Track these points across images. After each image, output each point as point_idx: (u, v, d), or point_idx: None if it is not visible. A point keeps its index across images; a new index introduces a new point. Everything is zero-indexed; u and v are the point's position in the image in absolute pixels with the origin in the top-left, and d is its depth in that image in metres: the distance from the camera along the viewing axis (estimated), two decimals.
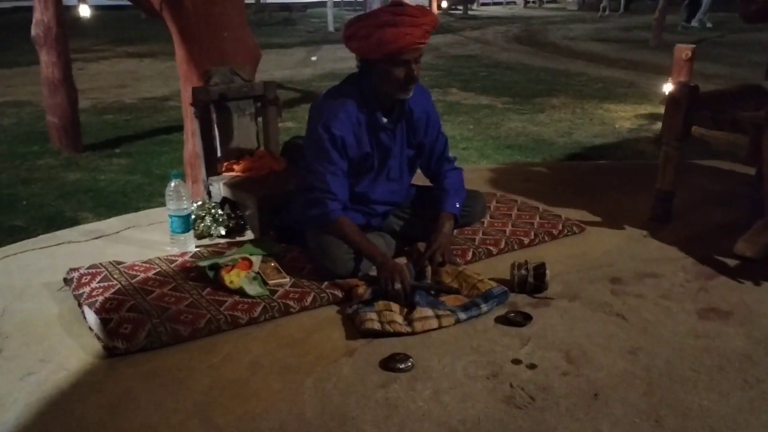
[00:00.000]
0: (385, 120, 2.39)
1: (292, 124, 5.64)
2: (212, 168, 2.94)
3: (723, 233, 2.83)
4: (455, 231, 2.65)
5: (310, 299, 2.19)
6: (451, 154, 2.64)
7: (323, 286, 2.27)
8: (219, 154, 2.98)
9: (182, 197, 2.56)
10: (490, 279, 2.31)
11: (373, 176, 2.47)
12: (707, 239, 2.82)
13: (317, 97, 2.45)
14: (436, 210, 2.49)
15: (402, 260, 2.44)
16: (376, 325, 2.03)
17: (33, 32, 4.49)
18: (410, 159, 2.56)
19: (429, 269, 2.37)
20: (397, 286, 2.15)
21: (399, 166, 2.52)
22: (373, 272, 2.31)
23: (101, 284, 2.22)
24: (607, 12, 18.83)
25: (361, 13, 2.33)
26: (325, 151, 2.29)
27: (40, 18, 4.43)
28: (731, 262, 2.59)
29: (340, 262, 2.30)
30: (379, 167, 2.46)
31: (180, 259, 2.46)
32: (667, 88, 5.20)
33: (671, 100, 2.93)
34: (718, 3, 15.91)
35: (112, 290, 2.17)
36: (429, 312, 2.09)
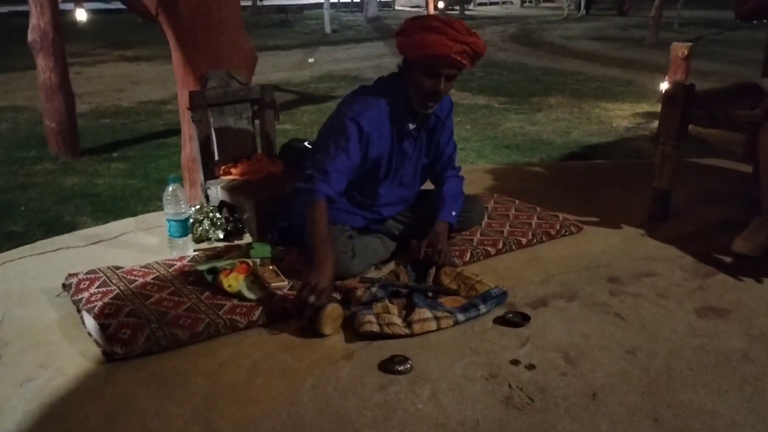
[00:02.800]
0: (412, 126, 2.41)
1: (290, 126, 5.65)
2: (210, 172, 2.94)
3: (720, 231, 2.84)
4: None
5: None
6: None
7: None
8: (216, 157, 2.98)
9: (180, 201, 2.56)
10: (488, 280, 2.31)
11: (387, 180, 2.48)
12: (705, 237, 2.83)
13: (350, 94, 2.47)
14: (433, 216, 2.50)
15: (400, 261, 2.44)
16: (375, 327, 2.03)
17: (30, 37, 4.49)
18: (425, 167, 2.58)
19: (432, 272, 2.37)
20: (310, 299, 2.01)
21: (413, 173, 2.55)
22: (371, 274, 2.32)
23: (100, 289, 2.22)
24: (566, 14, 18.71)
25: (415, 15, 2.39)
26: (346, 139, 2.29)
27: (37, 23, 4.44)
28: (729, 260, 2.60)
29: (338, 264, 2.30)
30: (395, 172, 2.47)
31: (178, 264, 2.46)
32: (664, 86, 5.21)
33: (668, 98, 2.94)
34: (713, 0, 15.94)
35: (111, 295, 2.17)
36: (427, 314, 2.10)
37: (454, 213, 2.54)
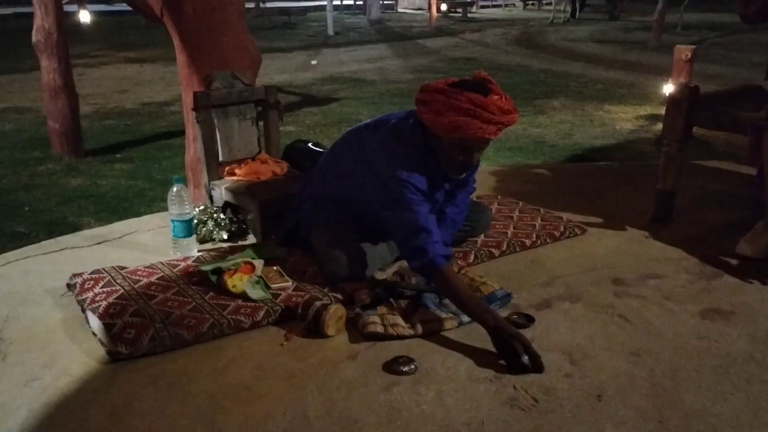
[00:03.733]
0: (447, 187, 2.35)
1: (293, 127, 5.65)
2: (214, 172, 2.95)
3: (724, 233, 2.83)
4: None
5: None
6: None
7: (326, 290, 2.27)
8: (221, 158, 2.99)
9: (184, 202, 2.56)
10: (493, 282, 2.31)
11: None
12: (709, 240, 2.82)
13: (380, 141, 2.27)
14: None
15: (403, 263, 2.44)
16: (379, 328, 2.03)
17: (34, 38, 4.51)
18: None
19: None
20: (524, 359, 1.86)
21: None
22: (375, 275, 2.32)
23: (104, 289, 2.22)
24: (551, 20, 17.69)
25: (442, 81, 2.16)
26: (408, 198, 2.15)
27: (41, 24, 4.45)
28: (733, 263, 2.59)
29: (344, 266, 2.30)
30: None
31: (183, 264, 2.47)
32: (668, 89, 5.21)
33: (672, 100, 2.94)
34: (717, 3, 15.92)
35: (115, 295, 2.18)
36: (432, 314, 2.10)
37: (448, 238, 2.45)
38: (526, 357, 1.86)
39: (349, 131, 2.53)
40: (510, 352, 1.88)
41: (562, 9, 18.42)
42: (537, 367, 1.85)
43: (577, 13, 18.55)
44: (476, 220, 2.67)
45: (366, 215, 2.38)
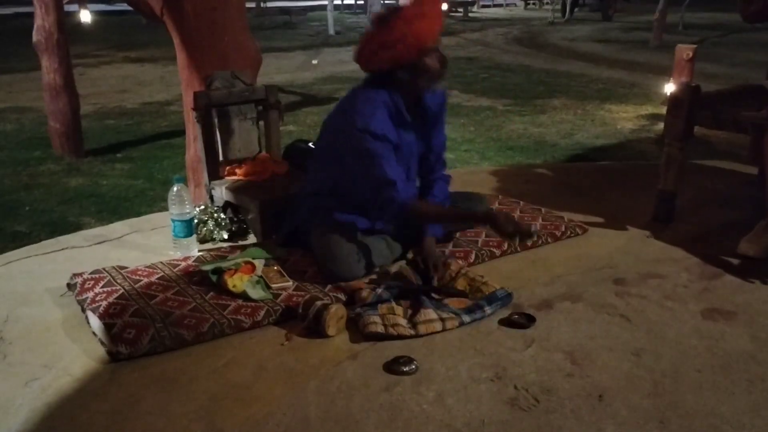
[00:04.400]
0: (409, 118, 2.39)
1: (294, 127, 5.65)
2: (214, 172, 2.94)
3: (726, 233, 2.83)
4: (458, 234, 2.67)
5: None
6: (451, 155, 2.64)
7: (326, 290, 2.27)
8: (221, 158, 2.98)
9: (185, 201, 2.56)
10: (494, 281, 2.31)
11: None
12: (710, 239, 2.82)
13: (344, 104, 2.41)
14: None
15: (403, 263, 2.44)
16: (380, 328, 2.03)
17: (34, 38, 4.51)
18: (419, 158, 2.56)
19: (436, 277, 2.36)
20: (511, 224, 2.18)
21: (413, 167, 2.52)
22: (376, 275, 2.31)
23: (104, 289, 2.22)
24: (551, 19, 17.23)
25: (364, 32, 2.33)
26: (370, 149, 2.25)
27: (41, 24, 4.45)
28: (735, 262, 2.59)
29: (344, 265, 2.30)
30: (402, 166, 2.44)
31: (183, 264, 2.46)
32: (669, 88, 5.20)
33: (673, 100, 2.93)
34: (718, 2, 15.90)
35: (116, 295, 2.18)
36: (433, 315, 2.09)
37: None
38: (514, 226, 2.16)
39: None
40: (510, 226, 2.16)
41: (558, 8, 18.09)
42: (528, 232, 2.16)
43: (568, 14, 18.02)
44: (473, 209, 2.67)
45: (356, 197, 2.41)
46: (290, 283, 2.30)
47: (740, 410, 1.71)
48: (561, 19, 17.40)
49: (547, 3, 23.14)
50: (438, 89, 2.41)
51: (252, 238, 2.80)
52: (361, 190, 2.34)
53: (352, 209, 2.44)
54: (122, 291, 2.21)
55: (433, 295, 2.24)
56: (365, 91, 2.36)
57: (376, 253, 2.40)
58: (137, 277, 2.33)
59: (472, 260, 2.54)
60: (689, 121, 2.88)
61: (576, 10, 18.36)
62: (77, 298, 2.22)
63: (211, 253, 2.60)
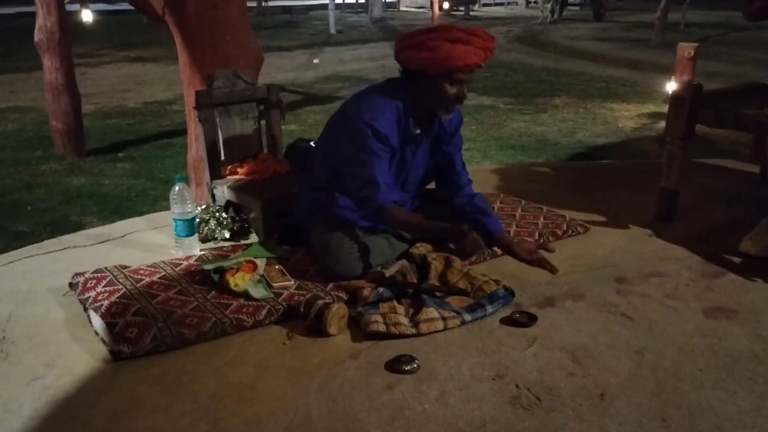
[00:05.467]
0: (417, 131, 2.39)
1: (295, 126, 5.65)
2: (216, 171, 2.94)
3: (728, 232, 2.83)
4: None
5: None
6: None
7: (328, 288, 2.27)
8: (223, 157, 2.98)
9: (186, 201, 2.56)
10: (495, 280, 2.31)
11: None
12: (712, 238, 2.82)
13: (358, 94, 2.42)
14: (484, 231, 2.40)
15: (404, 261, 2.44)
16: (381, 327, 2.03)
17: (36, 37, 4.51)
18: (426, 173, 2.57)
19: (433, 271, 2.36)
20: (477, 246, 2.18)
21: (413, 180, 2.54)
22: (377, 273, 2.31)
23: (106, 288, 2.22)
24: (540, 20, 16.57)
25: (423, 28, 2.36)
26: (368, 145, 2.26)
27: (43, 23, 4.45)
28: (736, 261, 2.59)
29: (345, 264, 2.30)
30: (396, 176, 2.45)
31: (185, 263, 2.46)
32: (670, 86, 5.20)
33: (675, 98, 2.93)
34: (719, 1, 15.86)
35: (118, 294, 2.18)
36: (434, 313, 2.09)
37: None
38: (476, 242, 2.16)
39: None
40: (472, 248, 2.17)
41: (549, 9, 17.29)
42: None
43: (557, 14, 17.26)
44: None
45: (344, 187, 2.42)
46: (292, 282, 2.30)
47: (743, 409, 1.71)
48: (540, 21, 16.66)
49: (534, 1, 22.59)
50: (449, 116, 2.39)
51: (254, 238, 2.80)
52: (347, 180, 2.35)
53: (352, 205, 2.44)
54: (124, 290, 2.21)
55: (435, 293, 2.24)
56: (383, 90, 2.37)
57: (377, 252, 2.40)
58: (139, 277, 2.33)
59: (473, 258, 2.54)
60: (691, 119, 2.88)
61: (560, 12, 17.45)
62: (79, 297, 2.22)
63: (213, 252, 2.60)
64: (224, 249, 2.64)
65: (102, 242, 2.80)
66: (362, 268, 2.32)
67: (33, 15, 4.61)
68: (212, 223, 2.76)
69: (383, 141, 2.27)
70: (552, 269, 2.29)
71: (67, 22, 4.62)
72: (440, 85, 2.25)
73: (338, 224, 2.39)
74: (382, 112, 2.27)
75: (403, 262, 2.43)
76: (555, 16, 16.92)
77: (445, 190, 2.60)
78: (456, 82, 2.25)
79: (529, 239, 2.71)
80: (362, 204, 2.31)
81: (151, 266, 2.43)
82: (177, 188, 2.54)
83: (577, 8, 19.24)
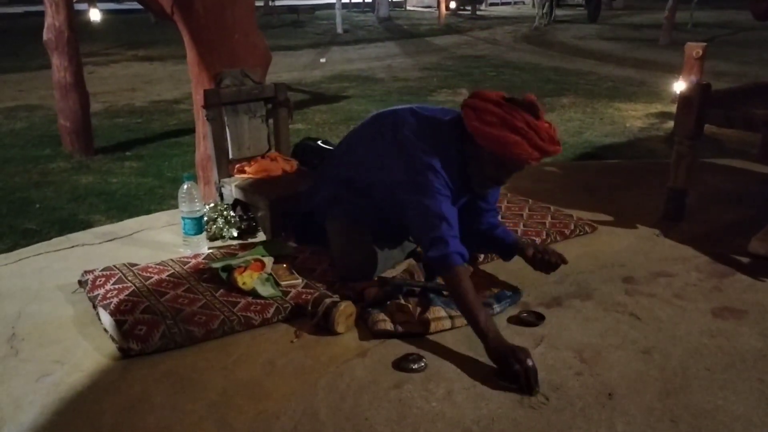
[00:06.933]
0: (463, 201, 2.27)
1: (302, 126, 5.66)
2: (224, 170, 2.95)
3: (736, 232, 2.82)
4: (481, 257, 2.56)
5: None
6: None
7: (336, 287, 2.27)
8: (231, 156, 2.99)
9: (195, 199, 2.57)
10: (502, 279, 2.31)
11: None
12: (720, 238, 2.81)
13: (414, 121, 2.22)
14: (507, 247, 2.37)
15: (412, 261, 2.44)
16: (389, 326, 2.03)
17: (45, 36, 4.53)
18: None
19: None
20: (530, 363, 1.80)
21: None
22: (385, 272, 2.32)
23: (115, 286, 2.23)
24: (536, 24, 15.64)
25: (500, 94, 2.13)
26: (430, 183, 2.09)
27: (52, 22, 4.47)
28: (745, 261, 2.58)
29: (357, 261, 2.30)
30: None
31: (193, 261, 2.47)
32: (678, 86, 5.19)
33: (684, 98, 2.92)
34: (727, 0, 15.76)
35: (127, 292, 2.19)
36: (442, 312, 2.09)
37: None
38: (531, 362, 1.79)
39: (382, 112, 2.41)
40: (507, 368, 1.80)
41: (542, 12, 16.14)
42: (528, 387, 1.76)
43: (552, 17, 16.44)
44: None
45: (385, 203, 2.27)
46: (299, 280, 2.31)
47: (751, 409, 1.70)
48: (544, 21, 15.92)
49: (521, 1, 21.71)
50: (482, 192, 2.28)
51: (261, 236, 2.81)
52: (406, 206, 2.14)
53: (371, 211, 2.37)
54: (133, 288, 2.22)
55: (443, 292, 2.24)
56: (445, 134, 2.18)
57: (387, 255, 2.39)
58: (148, 275, 2.34)
59: (481, 258, 2.54)
60: (699, 119, 2.87)
61: (550, 14, 16.47)
62: (88, 294, 2.23)
63: (221, 250, 2.61)
64: (232, 247, 2.65)
65: (110, 240, 2.81)
66: (372, 267, 2.32)
67: (42, 14, 4.63)
68: (220, 221, 2.77)
69: (446, 186, 2.12)
70: (560, 259, 2.25)
71: (76, 21, 4.63)
72: (484, 159, 2.11)
73: (354, 223, 2.37)
74: (447, 166, 2.12)
75: (411, 260, 2.43)
76: (548, 19, 16.26)
77: (467, 217, 2.35)
78: (500, 166, 2.12)
79: (536, 239, 2.71)
80: (432, 244, 2.03)
81: (159, 264, 2.44)
82: (185, 187, 2.55)
83: (582, 9, 18.84)
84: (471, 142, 2.11)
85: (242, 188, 2.84)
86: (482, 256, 2.55)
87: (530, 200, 3.20)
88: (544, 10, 15.96)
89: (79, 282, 2.34)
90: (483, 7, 22.32)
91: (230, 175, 2.96)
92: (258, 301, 2.16)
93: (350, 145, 2.44)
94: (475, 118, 2.06)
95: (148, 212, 3.41)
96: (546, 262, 2.27)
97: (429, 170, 2.09)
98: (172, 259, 2.50)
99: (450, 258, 1.99)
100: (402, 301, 2.16)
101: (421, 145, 2.14)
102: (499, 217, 2.48)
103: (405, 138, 2.18)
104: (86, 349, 1.97)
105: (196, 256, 2.53)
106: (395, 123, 2.25)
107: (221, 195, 2.94)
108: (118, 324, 1.99)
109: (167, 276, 2.34)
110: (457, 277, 1.98)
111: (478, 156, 2.12)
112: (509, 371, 1.79)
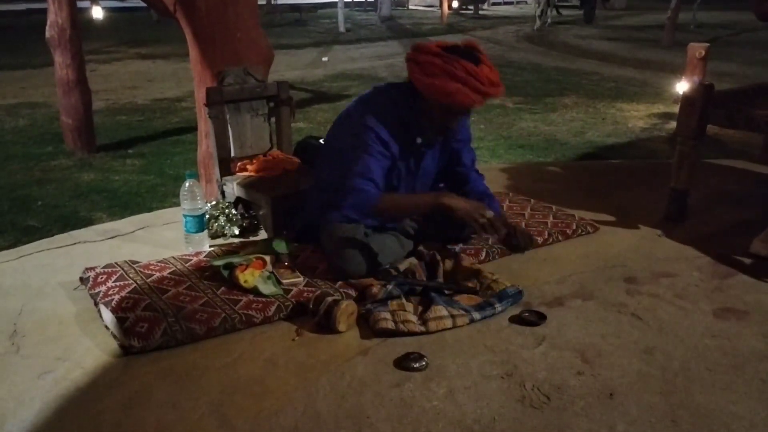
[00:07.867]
0: (419, 141, 2.37)
1: (304, 124, 5.66)
2: (226, 168, 2.95)
3: (738, 232, 2.82)
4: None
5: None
6: None
7: (337, 286, 2.27)
8: (233, 154, 2.99)
9: (197, 197, 2.57)
10: (504, 279, 2.31)
11: (400, 188, 2.44)
12: (722, 238, 2.81)
13: (363, 98, 2.40)
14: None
15: (413, 260, 2.44)
16: (390, 325, 2.03)
17: (47, 34, 4.53)
18: (436, 178, 2.55)
19: (441, 268, 2.37)
20: (489, 214, 2.14)
21: (423, 188, 2.51)
22: (387, 271, 2.31)
23: (117, 283, 2.23)
24: (537, 26, 15.23)
25: (439, 44, 2.22)
26: (369, 146, 2.26)
27: (55, 20, 4.47)
28: (746, 262, 2.58)
29: (353, 263, 2.30)
30: (406, 181, 2.44)
31: (194, 259, 2.47)
32: (681, 87, 5.18)
33: (686, 98, 2.92)
34: (730, 1, 15.73)
35: (128, 289, 2.19)
36: (443, 311, 2.09)
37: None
38: (490, 214, 2.14)
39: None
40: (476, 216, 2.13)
41: (540, 13, 15.69)
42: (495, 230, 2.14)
43: (549, 19, 16.08)
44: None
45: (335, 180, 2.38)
46: (301, 278, 2.30)
47: (752, 409, 1.70)
48: (540, 21, 15.50)
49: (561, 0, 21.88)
50: (438, 139, 2.39)
51: (263, 234, 2.81)
52: (339, 173, 2.30)
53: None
54: (134, 285, 2.22)
55: (444, 291, 2.24)
56: (387, 96, 2.34)
57: (386, 251, 2.40)
58: (149, 272, 2.34)
59: (482, 258, 2.54)
60: (702, 119, 2.87)
61: (547, 14, 16.07)
62: (90, 291, 2.23)
63: (223, 248, 2.61)
64: (234, 245, 2.65)
65: (112, 237, 2.81)
66: (371, 266, 2.32)
67: (44, 11, 4.63)
68: (222, 219, 2.77)
69: (385, 146, 2.26)
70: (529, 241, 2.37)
71: (78, 19, 4.64)
72: (433, 107, 2.23)
73: (346, 223, 2.38)
74: (385, 119, 2.26)
75: (412, 259, 2.43)
76: (546, 20, 15.93)
77: (453, 186, 2.56)
78: (449, 114, 2.24)
79: (539, 238, 2.70)
80: (347, 193, 2.24)
81: (161, 262, 2.44)
82: (187, 184, 2.55)
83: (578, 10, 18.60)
84: (420, 95, 2.24)
85: (244, 186, 2.84)
86: (484, 254, 2.55)
87: (532, 200, 3.19)
88: (542, 8, 15.82)
89: (81, 279, 2.34)
90: (485, 6, 22.31)
91: (232, 173, 2.96)
92: (259, 299, 2.16)
93: (323, 152, 2.57)
94: (419, 71, 2.18)
95: (150, 210, 3.41)
96: (514, 246, 2.34)
97: (364, 128, 2.25)
98: (173, 257, 2.50)
99: (367, 199, 2.22)
100: (403, 300, 2.16)
101: (361, 108, 2.33)
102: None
103: (351, 108, 2.38)
104: (88, 346, 1.97)
105: (197, 253, 2.53)
106: (346, 111, 2.43)
107: (223, 193, 2.94)
108: (120, 321, 1.99)
109: (169, 273, 2.34)
110: (385, 203, 2.26)
111: (427, 106, 2.25)
112: (477, 225, 2.14)
